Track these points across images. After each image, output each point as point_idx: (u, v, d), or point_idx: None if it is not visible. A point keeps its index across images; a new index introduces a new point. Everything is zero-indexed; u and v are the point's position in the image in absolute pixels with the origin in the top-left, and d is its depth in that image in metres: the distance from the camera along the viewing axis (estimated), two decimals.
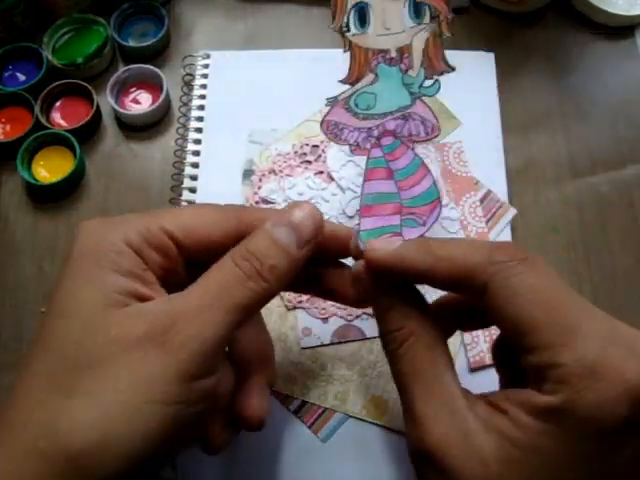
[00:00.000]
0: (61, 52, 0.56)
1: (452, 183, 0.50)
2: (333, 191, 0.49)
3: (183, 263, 0.33)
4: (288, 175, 0.50)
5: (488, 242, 0.45)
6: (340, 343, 0.45)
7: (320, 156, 0.51)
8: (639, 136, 0.54)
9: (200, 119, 0.53)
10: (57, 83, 0.54)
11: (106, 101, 0.54)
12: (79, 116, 0.54)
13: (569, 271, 0.49)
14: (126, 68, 0.55)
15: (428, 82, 0.39)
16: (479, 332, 0.46)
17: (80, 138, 0.52)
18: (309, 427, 0.44)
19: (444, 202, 0.48)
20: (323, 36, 0.57)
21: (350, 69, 0.40)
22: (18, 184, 0.53)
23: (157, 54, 0.57)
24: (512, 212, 0.49)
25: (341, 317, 0.46)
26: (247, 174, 0.51)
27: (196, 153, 0.52)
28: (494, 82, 0.54)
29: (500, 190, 0.50)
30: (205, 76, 0.55)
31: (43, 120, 0.53)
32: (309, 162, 0.51)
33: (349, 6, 0.40)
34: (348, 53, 0.40)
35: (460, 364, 0.44)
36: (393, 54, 0.40)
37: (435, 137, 0.40)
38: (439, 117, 0.52)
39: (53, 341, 0.29)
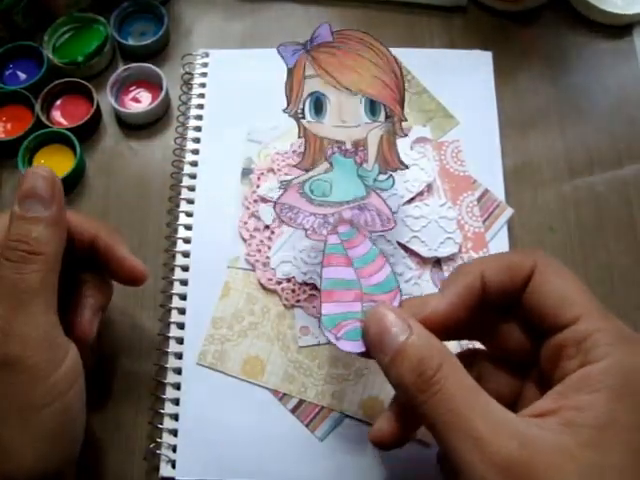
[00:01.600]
0: (61, 51, 0.56)
1: (449, 182, 0.50)
2: None
3: None
4: (287, 174, 0.50)
5: None
6: None
7: None
8: (636, 135, 0.54)
9: (199, 118, 0.54)
10: (57, 82, 0.54)
11: (106, 100, 0.54)
12: (79, 115, 0.54)
13: None
14: (126, 67, 0.55)
15: (382, 176, 0.40)
16: None
17: (80, 136, 0.53)
18: (306, 426, 0.44)
19: (441, 201, 0.48)
20: None
21: (304, 155, 0.41)
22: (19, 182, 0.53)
23: (157, 53, 0.57)
24: (509, 212, 0.49)
25: None
26: (246, 172, 0.51)
27: (195, 152, 0.52)
28: (492, 81, 0.54)
29: (497, 189, 0.50)
30: (204, 75, 0.55)
31: (43, 119, 0.53)
32: None
33: (305, 93, 0.41)
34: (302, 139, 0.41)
35: None
36: (348, 146, 0.41)
37: (390, 229, 0.41)
38: (436, 116, 0.53)
39: None
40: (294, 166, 0.42)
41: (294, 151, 0.51)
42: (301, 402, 0.44)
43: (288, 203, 0.41)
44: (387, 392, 0.44)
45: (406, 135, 0.42)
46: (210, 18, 0.59)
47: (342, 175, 0.41)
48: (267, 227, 0.49)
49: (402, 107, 0.41)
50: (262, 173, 0.51)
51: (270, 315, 0.46)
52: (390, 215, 0.40)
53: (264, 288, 0.47)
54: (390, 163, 0.41)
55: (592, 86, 0.56)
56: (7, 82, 0.56)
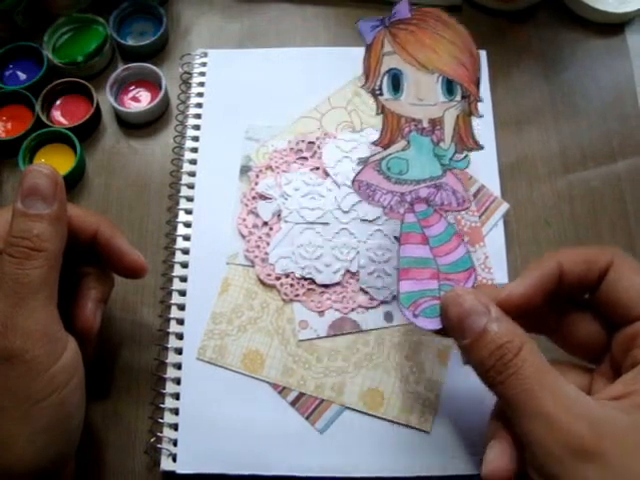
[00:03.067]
0: (61, 51, 0.57)
1: None
2: (329, 187, 0.50)
3: None
4: (284, 171, 0.51)
5: None
6: (336, 335, 0.46)
7: (316, 152, 0.51)
8: (629, 131, 0.54)
9: (198, 116, 0.54)
10: (57, 81, 0.55)
11: (106, 99, 0.54)
12: (79, 114, 0.54)
13: None
14: (125, 67, 0.56)
15: (459, 156, 0.40)
16: None
17: (80, 136, 0.53)
18: (306, 418, 0.44)
19: None
20: (318, 34, 0.58)
21: (382, 132, 0.41)
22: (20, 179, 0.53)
23: (156, 53, 0.58)
24: (505, 207, 0.50)
25: (337, 310, 0.47)
26: (244, 170, 0.52)
27: (194, 150, 0.53)
28: (486, 79, 0.54)
29: (493, 185, 0.51)
30: (203, 74, 0.56)
31: (44, 118, 0.53)
32: (305, 158, 0.51)
33: (383, 70, 0.40)
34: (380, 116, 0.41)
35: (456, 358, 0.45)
36: (425, 124, 0.41)
37: (466, 209, 0.41)
38: None
39: None
40: (372, 143, 0.42)
41: (291, 148, 0.52)
42: (301, 395, 0.45)
43: (366, 180, 0.41)
44: (386, 384, 0.44)
45: (482, 116, 0.41)
46: (208, 18, 0.60)
47: (419, 153, 0.41)
48: (265, 224, 0.49)
49: (478, 87, 0.41)
50: (260, 171, 0.51)
51: (269, 310, 0.47)
52: (466, 195, 0.41)
53: (263, 283, 0.48)
54: (466, 143, 0.41)
55: (586, 83, 0.56)
56: (7, 82, 0.56)
